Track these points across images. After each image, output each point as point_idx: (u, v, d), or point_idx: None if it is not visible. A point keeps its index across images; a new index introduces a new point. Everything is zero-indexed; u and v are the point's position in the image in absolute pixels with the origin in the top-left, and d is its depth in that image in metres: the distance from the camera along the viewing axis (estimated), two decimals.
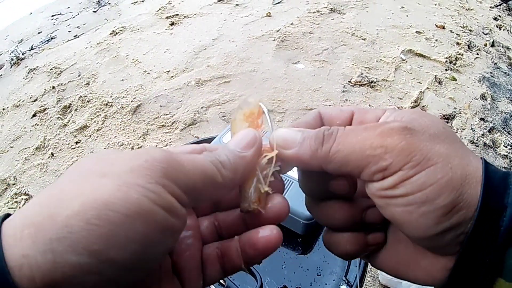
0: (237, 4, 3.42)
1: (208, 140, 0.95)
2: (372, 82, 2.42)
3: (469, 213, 0.28)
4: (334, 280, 0.74)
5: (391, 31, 3.00)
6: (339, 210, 0.36)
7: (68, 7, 3.87)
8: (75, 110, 2.36)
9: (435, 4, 3.50)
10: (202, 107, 2.27)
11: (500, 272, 0.28)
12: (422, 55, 2.73)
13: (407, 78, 2.51)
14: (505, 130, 2.20)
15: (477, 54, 2.84)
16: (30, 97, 2.52)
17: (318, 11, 3.20)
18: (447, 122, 2.17)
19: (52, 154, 2.10)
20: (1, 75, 2.92)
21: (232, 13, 3.27)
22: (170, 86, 2.44)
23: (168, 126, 2.17)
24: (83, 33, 3.28)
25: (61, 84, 2.56)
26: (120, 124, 2.21)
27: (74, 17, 3.63)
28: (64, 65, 2.78)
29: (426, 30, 3.02)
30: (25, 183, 1.96)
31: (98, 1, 3.85)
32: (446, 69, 2.62)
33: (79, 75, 2.64)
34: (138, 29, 3.15)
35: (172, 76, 2.54)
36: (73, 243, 0.22)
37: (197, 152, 0.34)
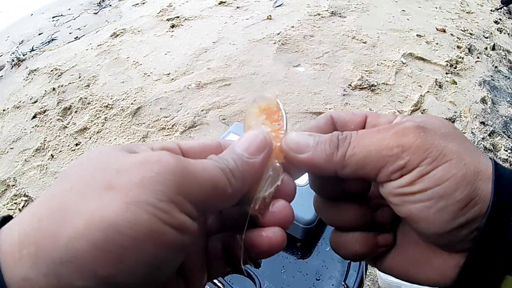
0: (237, 7, 3.42)
1: None
2: (372, 85, 2.42)
3: (483, 208, 0.28)
4: (333, 285, 0.73)
5: (391, 34, 3.00)
6: (350, 209, 0.36)
7: (69, 9, 3.88)
8: (75, 112, 2.36)
9: (436, 8, 3.50)
10: (202, 110, 2.27)
11: (509, 269, 0.28)
12: (422, 59, 2.74)
13: (408, 82, 2.51)
14: (506, 134, 2.20)
15: (478, 57, 2.84)
16: (31, 99, 2.52)
17: (318, 14, 3.20)
18: None
19: (52, 155, 2.10)
20: (2, 76, 2.92)
21: (232, 16, 3.28)
22: (170, 89, 2.44)
23: (168, 128, 2.17)
24: (83, 35, 3.29)
25: (62, 86, 2.56)
26: (120, 127, 2.20)
27: (75, 19, 3.64)
28: (65, 67, 2.79)
29: (426, 34, 3.02)
30: (24, 184, 1.96)
31: (99, 3, 3.86)
32: (446, 73, 2.62)
33: (79, 77, 2.64)
34: (139, 31, 3.15)
35: (173, 79, 2.54)
36: (78, 268, 0.21)
37: (212, 149, 0.33)
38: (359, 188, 0.36)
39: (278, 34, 2.92)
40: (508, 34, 3.27)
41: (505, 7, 3.64)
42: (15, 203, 1.87)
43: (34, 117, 2.37)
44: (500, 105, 2.43)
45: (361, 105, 2.30)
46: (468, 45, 2.93)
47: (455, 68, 2.67)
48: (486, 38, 3.14)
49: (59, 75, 2.70)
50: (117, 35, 3.11)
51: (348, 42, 2.87)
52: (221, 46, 2.85)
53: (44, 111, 2.39)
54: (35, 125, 2.31)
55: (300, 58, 2.69)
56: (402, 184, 0.29)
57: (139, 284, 0.23)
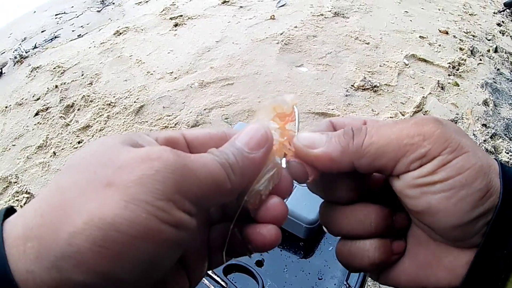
0: (241, 6, 3.42)
1: None
2: (375, 86, 2.43)
3: (496, 199, 0.29)
4: (335, 284, 0.74)
5: (394, 35, 3.00)
6: (372, 212, 0.34)
7: (72, 6, 3.88)
8: (78, 109, 2.36)
9: (439, 9, 3.50)
10: (205, 109, 2.27)
11: None
12: (425, 60, 2.73)
13: (410, 83, 2.51)
14: (507, 136, 2.20)
15: (480, 59, 2.83)
16: (33, 96, 2.53)
17: (322, 15, 3.20)
18: None
19: (54, 153, 2.10)
20: (4, 73, 2.93)
21: (236, 15, 3.28)
22: (173, 87, 2.44)
23: (171, 127, 2.17)
24: (86, 33, 3.29)
25: (64, 83, 2.57)
26: (122, 125, 2.21)
27: (78, 17, 3.64)
28: (68, 64, 2.79)
29: (429, 35, 3.02)
30: (26, 181, 1.96)
31: (102, 1, 3.86)
32: (449, 75, 2.62)
33: (82, 75, 2.65)
34: (142, 30, 3.16)
35: (176, 78, 2.55)
36: (79, 263, 0.21)
37: (217, 138, 0.33)
38: (381, 184, 0.35)
39: (281, 34, 2.92)
40: (511, 36, 3.27)
41: (508, 10, 3.63)
42: (17, 200, 1.88)
43: (37, 114, 2.37)
44: (502, 107, 2.43)
45: (363, 105, 2.30)
46: (470, 47, 2.93)
47: (458, 70, 2.67)
48: (489, 40, 3.13)
49: (62, 73, 2.71)
50: (120, 33, 3.12)
51: (351, 43, 2.87)
52: (224, 46, 2.85)
53: (47, 109, 2.40)
54: (38, 123, 2.31)
55: (303, 58, 2.69)
56: (423, 173, 0.29)
57: (138, 279, 0.24)
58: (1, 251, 0.22)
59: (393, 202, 0.35)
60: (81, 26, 3.43)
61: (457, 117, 2.28)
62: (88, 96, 2.43)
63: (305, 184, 0.37)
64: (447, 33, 3.08)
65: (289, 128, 0.36)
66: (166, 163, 0.25)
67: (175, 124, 2.18)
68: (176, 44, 2.92)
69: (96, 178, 0.24)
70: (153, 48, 2.89)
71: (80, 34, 3.27)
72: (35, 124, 2.30)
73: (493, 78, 2.66)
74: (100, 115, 2.29)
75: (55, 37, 3.30)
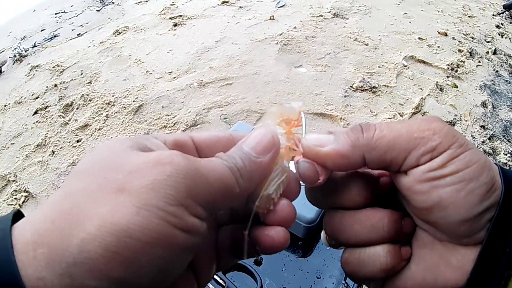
0: (240, 7, 3.43)
1: None
2: (373, 87, 2.43)
3: (499, 194, 0.30)
4: (333, 283, 0.74)
5: (393, 37, 3.01)
6: (385, 217, 0.34)
7: (72, 5, 3.88)
8: (77, 108, 2.36)
9: (438, 11, 3.51)
10: (203, 109, 2.27)
11: None
12: (424, 62, 2.74)
13: (409, 84, 2.51)
14: (505, 138, 2.20)
15: (479, 61, 2.84)
16: (32, 95, 2.52)
17: (321, 16, 3.21)
18: None
19: (53, 152, 2.10)
20: (4, 71, 2.93)
21: (235, 16, 3.28)
22: (172, 87, 2.44)
23: (169, 127, 2.18)
24: (86, 32, 3.29)
25: (63, 82, 2.57)
26: (121, 124, 2.21)
27: (77, 16, 3.64)
28: (67, 63, 2.79)
29: (428, 37, 3.03)
30: (25, 180, 1.96)
31: (102, 0, 3.86)
32: (447, 76, 2.62)
33: (81, 74, 2.65)
34: (142, 29, 3.16)
35: (175, 77, 2.55)
36: (91, 269, 0.21)
37: (224, 141, 0.33)
38: (388, 188, 0.36)
39: (281, 34, 2.93)
40: (510, 38, 3.28)
41: (507, 12, 3.64)
42: (15, 198, 1.87)
43: (36, 113, 2.37)
44: (500, 109, 2.43)
45: (362, 106, 2.30)
46: (469, 49, 2.93)
47: (456, 71, 2.68)
48: (488, 42, 3.14)
49: (61, 72, 2.71)
50: (120, 33, 3.12)
51: (350, 44, 2.88)
52: (224, 46, 2.85)
53: (46, 107, 2.39)
54: (36, 121, 2.31)
55: (302, 59, 2.70)
56: (433, 167, 0.30)
57: (150, 284, 0.24)
58: (10, 257, 0.21)
59: (398, 207, 0.35)
60: (81, 25, 3.43)
61: (455, 119, 2.28)
62: (87, 95, 2.43)
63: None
64: (446, 34, 3.09)
65: (296, 133, 0.36)
66: (177, 168, 0.25)
67: (174, 124, 2.18)
68: (176, 44, 2.92)
69: (107, 183, 0.24)
70: (152, 48, 2.89)
71: (79, 33, 3.27)
72: (34, 123, 2.30)
73: (492, 80, 2.67)
74: (99, 114, 2.28)
75: (55, 36, 3.30)
